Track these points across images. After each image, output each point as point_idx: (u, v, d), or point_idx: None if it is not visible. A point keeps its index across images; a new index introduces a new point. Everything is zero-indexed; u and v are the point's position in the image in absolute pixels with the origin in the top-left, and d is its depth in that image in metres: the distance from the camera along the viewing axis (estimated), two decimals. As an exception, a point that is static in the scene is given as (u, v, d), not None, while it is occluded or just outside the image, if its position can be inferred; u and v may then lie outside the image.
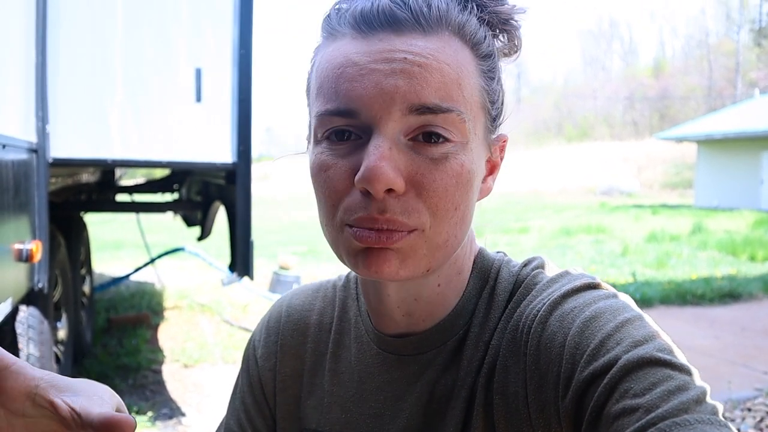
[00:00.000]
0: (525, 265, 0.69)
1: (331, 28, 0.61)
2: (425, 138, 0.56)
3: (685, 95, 52.58)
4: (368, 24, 0.57)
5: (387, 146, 0.55)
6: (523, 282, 0.66)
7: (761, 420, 3.55)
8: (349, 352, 0.73)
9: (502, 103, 0.65)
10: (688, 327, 5.74)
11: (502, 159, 0.67)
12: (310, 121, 0.63)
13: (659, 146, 32.79)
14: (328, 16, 0.62)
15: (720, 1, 58.51)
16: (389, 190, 0.55)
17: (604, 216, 16.96)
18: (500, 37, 0.64)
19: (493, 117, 0.63)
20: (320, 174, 0.59)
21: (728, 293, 7.01)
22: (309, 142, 0.64)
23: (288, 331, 0.78)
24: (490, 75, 0.61)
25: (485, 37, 0.61)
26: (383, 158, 0.54)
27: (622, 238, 11.96)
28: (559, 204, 22.20)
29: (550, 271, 0.67)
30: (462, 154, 0.58)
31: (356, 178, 0.55)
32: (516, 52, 0.66)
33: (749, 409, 3.71)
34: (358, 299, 0.75)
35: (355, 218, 0.57)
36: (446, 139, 0.56)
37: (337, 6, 0.61)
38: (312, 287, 0.82)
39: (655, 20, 74.90)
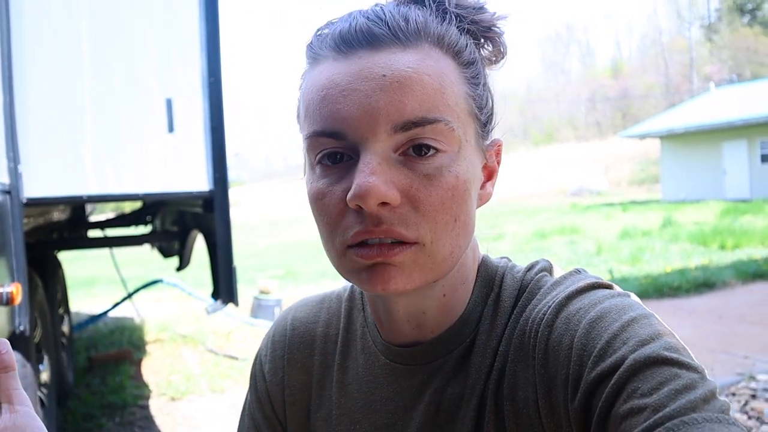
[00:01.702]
0: (529, 269, 0.69)
1: (313, 53, 0.61)
2: (416, 151, 0.56)
3: (644, 93, 53.81)
4: (347, 44, 0.58)
5: (376, 161, 0.55)
6: (527, 286, 0.66)
7: (746, 403, 3.62)
8: (356, 363, 0.72)
9: (492, 109, 0.65)
10: (667, 319, 5.81)
11: (499, 164, 0.67)
12: (303, 147, 0.63)
13: (623, 144, 33.43)
14: (311, 42, 0.62)
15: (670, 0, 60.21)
16: (384, 204, 0.55)
17: (576, 216, 17.20)
18: (485, 45, 0.65)
19: (483, 122, 0.63)
20: (317, 202, 0.59)
21: (703, 283, 7.15)
22: (305, 170, 0.64)
23: (294, 345, 0.77)
24: (475, 81, 0.61)
25: (467, 45, 0.61)
26: (373, 173, 0.54)
27: (596, 237, 12.13)
28: (531, 208, 22.45)
29: (555, 273, 0.67)
30: (455, 164, 0.58)
31: (348, 196, 0.55)
32: (502, 58, 0.66)
33: (733, 394, 3.79)
34: (364, 310, 0.75)
35: (352, 234, 0.56)
36: (437, 150, 0.57)
37: (318, 32, 0.62)
38: (316, 299, 0.81)
39: (610, 22, 76.71)
